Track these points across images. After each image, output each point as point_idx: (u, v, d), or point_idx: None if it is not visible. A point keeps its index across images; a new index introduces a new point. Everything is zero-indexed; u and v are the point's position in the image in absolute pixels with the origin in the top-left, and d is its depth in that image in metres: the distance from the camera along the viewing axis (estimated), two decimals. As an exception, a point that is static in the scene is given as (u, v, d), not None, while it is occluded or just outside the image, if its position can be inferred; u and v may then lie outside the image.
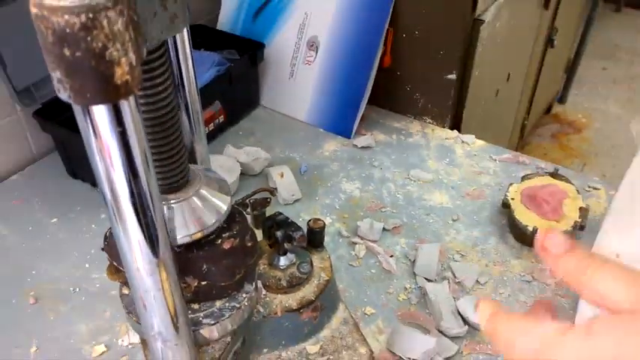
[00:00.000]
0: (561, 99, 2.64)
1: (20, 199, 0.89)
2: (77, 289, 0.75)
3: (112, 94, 0.30)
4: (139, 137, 0.33)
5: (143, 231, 0.36)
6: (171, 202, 0.46)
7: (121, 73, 0.29)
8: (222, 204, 0.48)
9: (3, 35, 0.80)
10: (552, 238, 0.33)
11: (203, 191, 0.48)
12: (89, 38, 0.27)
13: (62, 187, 0.91)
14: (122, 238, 0.37)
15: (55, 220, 0.85)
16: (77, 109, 0.31)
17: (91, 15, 0.27)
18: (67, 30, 0.27)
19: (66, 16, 0.27)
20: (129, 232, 0.37)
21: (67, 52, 0.27)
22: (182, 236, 0.46)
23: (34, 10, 0.27)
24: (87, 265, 0.78)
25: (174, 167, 0.45)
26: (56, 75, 0.29)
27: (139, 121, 0.32)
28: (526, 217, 0.79)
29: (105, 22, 0.27)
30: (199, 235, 0.47)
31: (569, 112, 2.63)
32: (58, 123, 0.85)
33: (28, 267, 0.78)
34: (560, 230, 0.76)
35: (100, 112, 0.31)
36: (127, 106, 0.31)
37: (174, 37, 0.46)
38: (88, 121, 0.31)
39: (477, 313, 0.36)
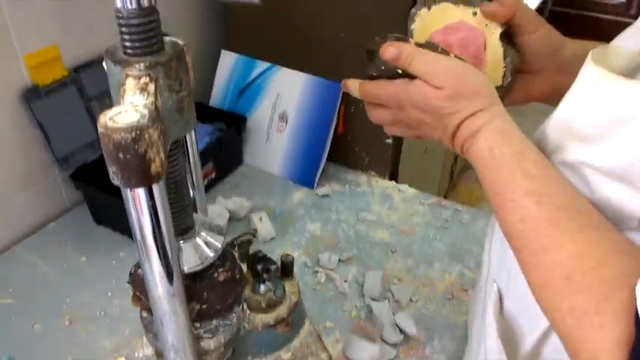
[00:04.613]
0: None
1: (56, 242, 0.91)
2: (102, 313, 0.78)
3: (148, 181, 0.36)
4: (164, 205, 0.39)
5: (163, 265, 0.42)
6: (180, 242, 0.51)
7: (154, 167, 0.35)
8: (217, 243, 0.54)
9: (49, 118, 0.86)
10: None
11: (203, 233, 0.53)
12: (136, 147, 0.33)
13: (89, 232, 0.93)
14: (148, 271, 0.43)
15: (84, 258, 0.88)
16: (125, 191, 0.37)
17: (138, 132, 0.33)
18: (122, 142, 0.33)
19: (122, 133, 0.33)
20: (153, 266, 0.42)
21: (121, 155, 0.33)
22: (188, 267, 0.51)
23: (101, 129, 0.33)
24: (109, 294, 0.81)
25: (183, 216, 0.50)
26: (112, 169, 0.35)
27: (164, 195, 0.39)
28: None
29: (146, 136, 0.34)
30: (200, 267, 0.52)
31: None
32: (88, 183, 0.90)
33: (64, 296, 0.81)
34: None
35: (140, 192, 0.37)
36: (157, 187, 0.38)
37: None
38: (132, 197, 0.37)
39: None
